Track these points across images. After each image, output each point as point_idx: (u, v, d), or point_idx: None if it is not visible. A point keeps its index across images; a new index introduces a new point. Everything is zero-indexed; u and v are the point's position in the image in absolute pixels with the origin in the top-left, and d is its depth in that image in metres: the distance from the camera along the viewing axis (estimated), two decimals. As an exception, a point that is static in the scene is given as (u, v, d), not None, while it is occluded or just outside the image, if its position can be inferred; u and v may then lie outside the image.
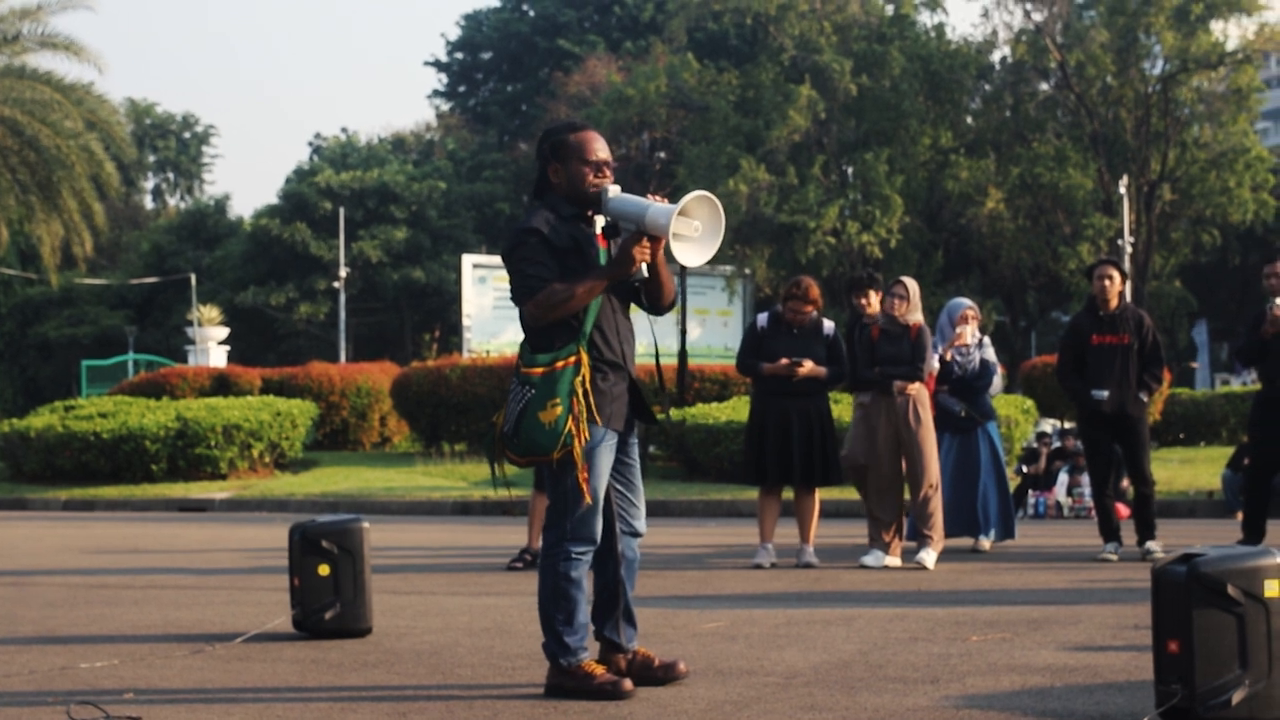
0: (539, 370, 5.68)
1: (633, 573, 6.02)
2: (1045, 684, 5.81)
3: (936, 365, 11.73)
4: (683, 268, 5.69)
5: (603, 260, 5.80)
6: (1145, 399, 11.22)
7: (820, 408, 10.98)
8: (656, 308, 5.96)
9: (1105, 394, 11.07)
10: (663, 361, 6.11)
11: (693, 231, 5.60)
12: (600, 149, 5.82)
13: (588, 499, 5.68)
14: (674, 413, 20.64)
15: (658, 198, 5.67)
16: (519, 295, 5.76)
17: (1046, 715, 5.23)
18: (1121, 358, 11.10)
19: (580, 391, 5.63)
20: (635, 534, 6.01)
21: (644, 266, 5.70)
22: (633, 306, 6.01)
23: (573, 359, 5.66)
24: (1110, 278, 11.20)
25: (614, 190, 5.74)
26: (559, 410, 5.61)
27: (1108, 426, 11.22)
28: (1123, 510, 12.95)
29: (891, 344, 10.90)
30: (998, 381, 12.55)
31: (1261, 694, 4.80)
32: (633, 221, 5.66)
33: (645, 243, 5.63)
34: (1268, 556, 4.88)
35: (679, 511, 18.12)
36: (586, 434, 5.64)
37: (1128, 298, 11.71)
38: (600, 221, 5.83)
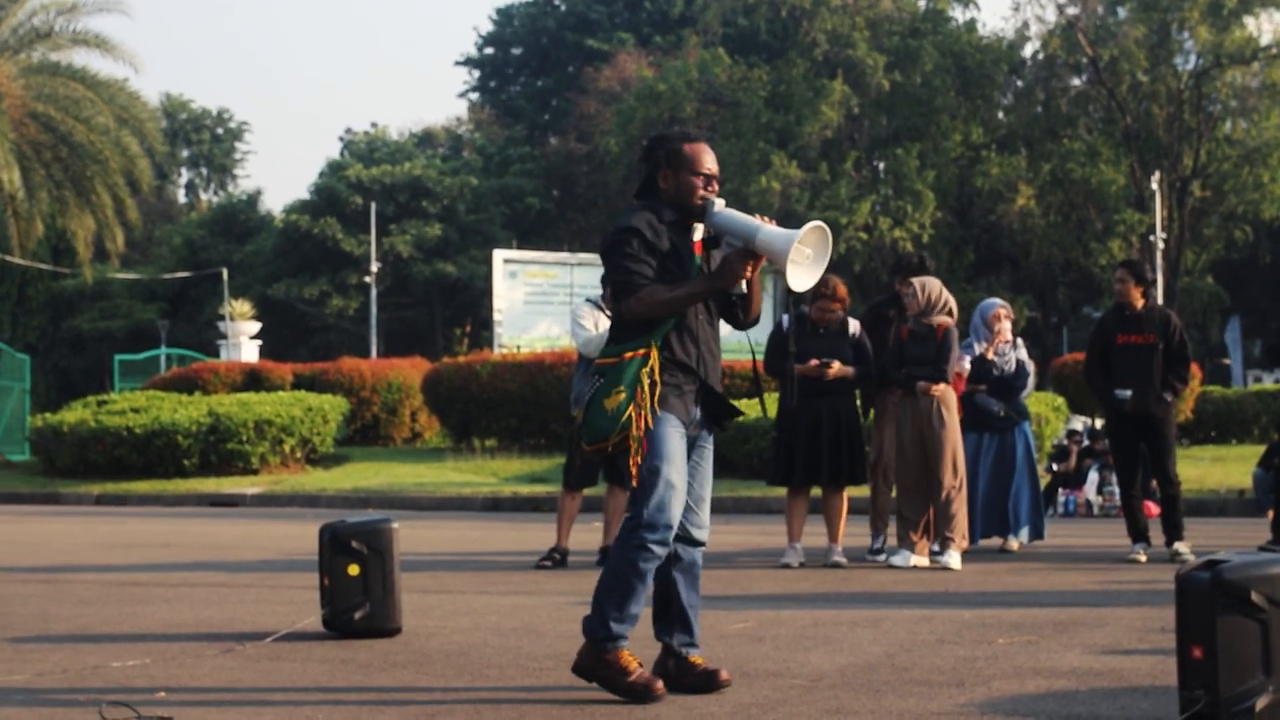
0: (609, 361, 5.80)
1: (691, 577, 5.99)
2: (1070, 687, 5.83)
3: (967, 366, 11.70)
4: (789, 289, 5.76)
5: (694, 269, 5.89)
6: (1170, 399, 11.17)
7: (848, 407, 11.00)
8: (745, 322, 6.06)
9: (1129, 393, 11.05)
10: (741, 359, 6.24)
11: (803, 258, 5.71)
12: (711, 162, 5.92)
13: (635, 481, 5.72)
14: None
15: (767, 219, 5.75)
16: (620, 291, 5.83)
17: (1071, 720, 5.26)
18: (1146, 357, 11.06)
19: (646, 381, 5.69)
20: (691, 541, 5.97)
21: (744, 283, 5.82)
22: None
23: (641, 351, 5.73)
24: (1124, 280, 11.19)
25: (719, 204, 5.84)
26: (622, 396, 5.68)
27: (1133, 426, 11.20)
28: (1153, 508, 12.91)
29: (918, 344, 10.90)
30: (1030, 382, 12.52)
31: (1285, 701, 4.80)
32: (740, 239, 5.77)
33: (751, 261, 5.74)
34: (1291, 563, 4.89)
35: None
36: (649, 420, 5.68)
37: (1159, 295, 11.69)
38: (699, 231, 5.95)
